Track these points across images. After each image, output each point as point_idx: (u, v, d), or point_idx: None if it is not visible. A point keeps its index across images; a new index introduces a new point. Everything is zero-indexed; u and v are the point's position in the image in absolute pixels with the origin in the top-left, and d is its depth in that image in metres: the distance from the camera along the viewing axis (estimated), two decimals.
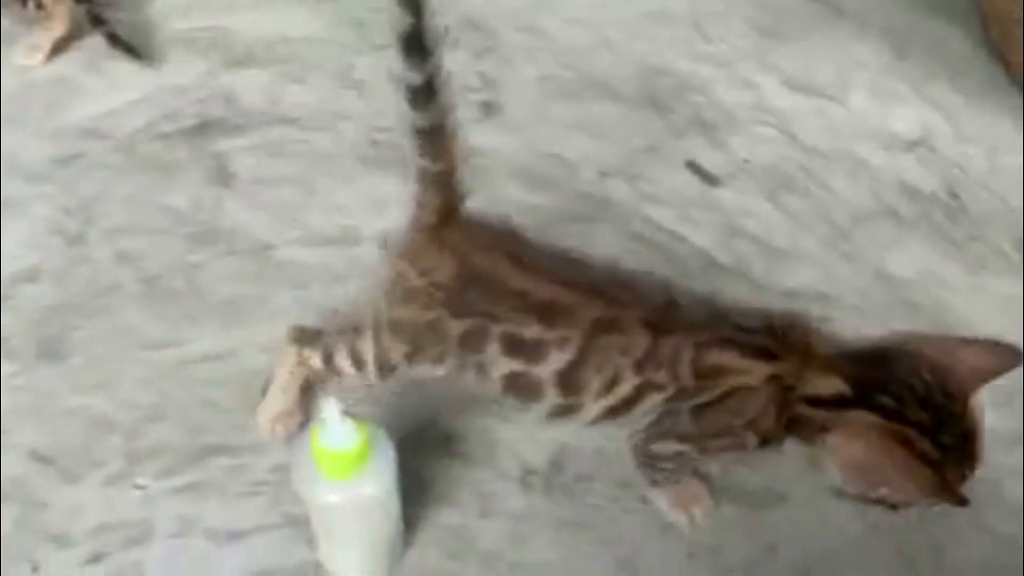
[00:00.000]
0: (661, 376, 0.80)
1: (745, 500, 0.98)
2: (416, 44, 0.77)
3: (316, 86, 1.34)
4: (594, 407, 0.83)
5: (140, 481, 0.98)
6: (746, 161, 1.28)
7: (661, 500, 0.96)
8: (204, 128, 1.27)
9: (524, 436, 1.01)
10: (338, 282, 1.13)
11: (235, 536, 0.94)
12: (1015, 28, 1.33)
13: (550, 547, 0.94)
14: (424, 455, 0.99)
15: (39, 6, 1.29)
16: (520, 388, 0.84)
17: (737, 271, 1.15)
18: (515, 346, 0.81)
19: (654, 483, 0.95)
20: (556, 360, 0.81)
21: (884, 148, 1.28)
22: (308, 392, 0.98)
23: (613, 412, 0.84)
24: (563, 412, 0.85)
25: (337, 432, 0.76)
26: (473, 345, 0.83)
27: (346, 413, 0.77)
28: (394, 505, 0.87)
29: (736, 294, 1.09)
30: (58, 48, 1.33)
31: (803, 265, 1.18)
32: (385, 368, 0.88)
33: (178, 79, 1.32)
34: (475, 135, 1.29)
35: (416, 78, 0.78)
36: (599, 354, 0.80)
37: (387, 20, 1.39)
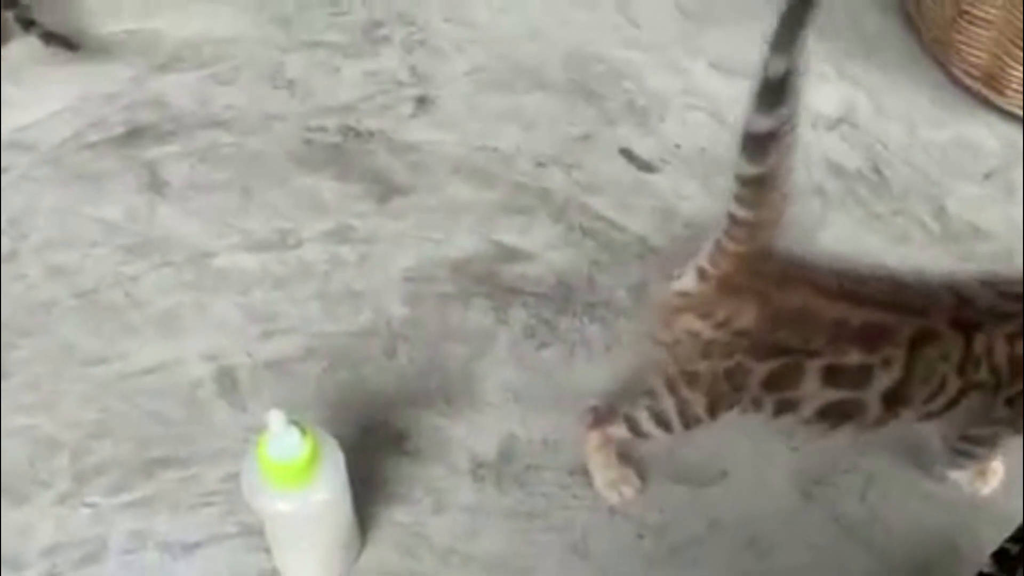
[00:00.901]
0: (982, 374, 0.81)
1: (689, 478, 1.02)
2: (777, 90, 0.70)
3: (246, 87, 1.32)
4: (912, 415, 0.84)
5: (90, 499, 0.97)
6: (677, 146, 1.31)
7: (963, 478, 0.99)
8: (134, 135, 1.25)
9: (473, 430, 1.03)
10: (279, 287, 1.13)
11: (190, 548, 0.95)
12: (929, 1, 1.38)
13: (503, 538, 0.97)
14: (374, 454, 1.01)
15: None
16: (837, 415, 0.84)
17: (674, 256, 1.18)
18: (837, 376, 0.81)
19: (957, 466, 0.97)
20: (882, 381, 0.80)
21: (810, 126, 1.32)
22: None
23: (929, 416, 0.85)
24: (877, 423, 0.85)
25: (283, 442, 0.77)
26: (783, 384, 0.82)
27: (292, 422, 0.78)
28: (346, 509, 0.88)
29: None
30: None
31: None
32: (691, 421, 0.88)
33: (104, 86, 1.29)
34: (410, 131, 1.31)
35: (762, 125, 0.71)
36: (923, 366, 0.80)
37: (315, 18, 1.42)
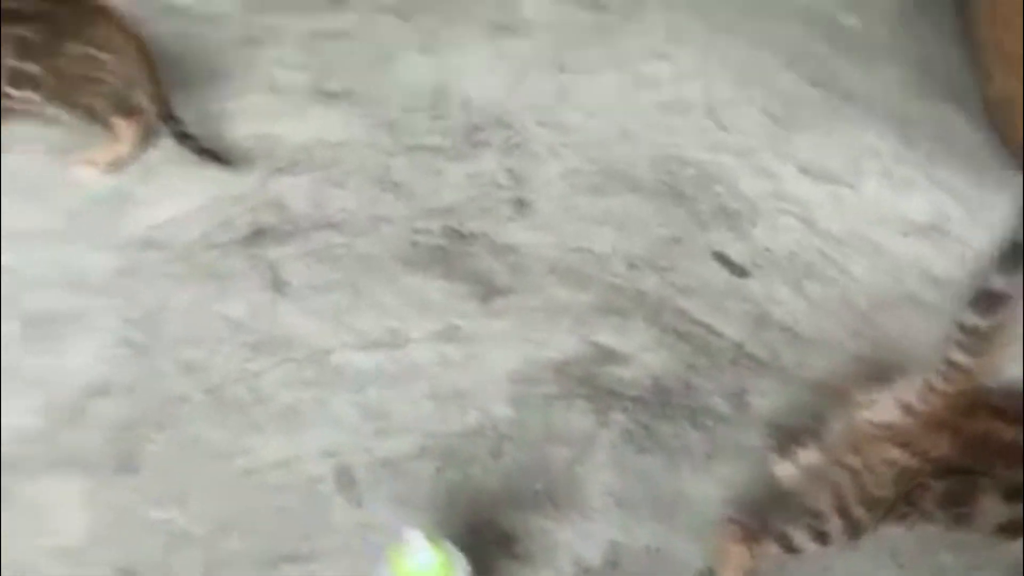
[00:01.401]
0: None
1: None
2: (1020, 255, 0.78)
3: (356, 189, 1.42)
4: None
5: None
6: (768, 250, 1.35)
7: None
8: (257, 236, 1.35)
9: (578, 534, 1.07)
10: (392, 385, 1.20)
11: None
12: (1015, 109, 1.40)
13: None
14: (484, 556, 1.05)
15: (107, 127, 1.38)
16: (1014, 528, 0.89)
17: (768, 362, 1.21)
18: (1016, 493, 0.86)
19: None
20: None
21: (900, 233, 1.36)
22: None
23: None
24: None
25: (418, 554, 0.82)
26: (959, 500, 0.88)
27: (427, 537, 0.83)
28: None
29: (767, 386, 1.16)
30: (117, 164, 1.40)
31: (831, 352, 1.23)
32: (857, 538, 0.93)
33: (232, 188, 1.40)
34: (510, 233, 1.38)
35: (998, 283, 0.78)
36: None
37: (418, 121, 1.51)
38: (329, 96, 1.55)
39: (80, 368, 1.19)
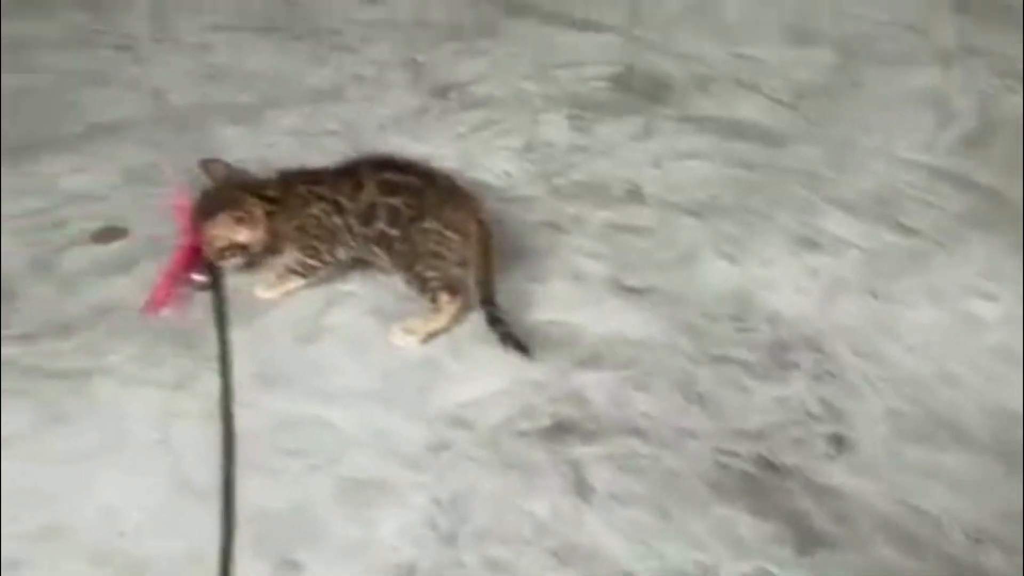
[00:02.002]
0: None
1: None
2: None
3: (659, 395, 1.40)
4: None
5: None
6: None
7: None
8: (559, 430, 1.35)
9: None
10: None
11: None
12: None
13: None
14: None
15: (433, 300, 1.46)
16: None
17: None
18: None
19: None
20: None
21: None
22: None
23: None
24: None
25: None
26: None
27: None
28: None
29: None
30: (431, 337, 1.46)
31: None
32: None
33: (533, 374, 1.42)
34: (828, 473, 1.29)
35: None
36: None
37: (722, 330, 1.50)
38: (629, 291, 1.57)
39: (389, 545, 1.20)
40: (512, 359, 1.43)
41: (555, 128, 1.93)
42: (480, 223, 1.46)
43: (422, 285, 1.47)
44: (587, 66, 2.11)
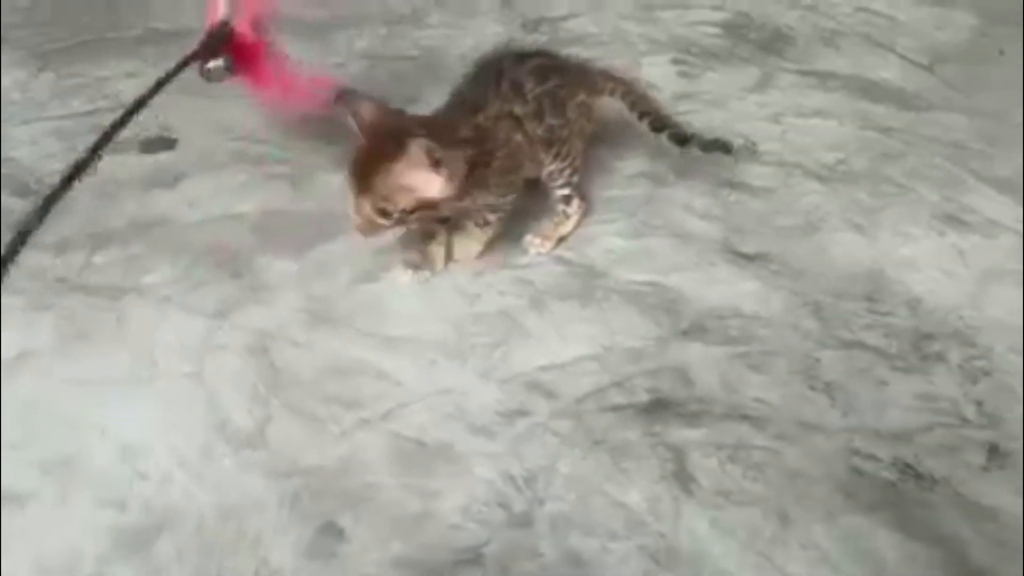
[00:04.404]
0: None
1: None
2: None
3: (779, 380, 1.17)
4: None
5: None
6: None
7: None
8: (657, 408, 1.14)
9: None
10: None
11: None
12: None
13: None
14: None
15: (567, 202, 1.31)
16: None
17: None
18: None
19: None
20: None
21: None
22: None
23: None
24: None
25: None
26: None
27: None
28: None
29: None
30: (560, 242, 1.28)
31: None
32: None
33: (627, 340, 1.21)
34: (983, 490, 1.05)
35: None
36: None
37: (853, 313, 1.28)
38: (742, 257, 1.35)
39: (450, 522, 1.01)
40: (603, 321, 1.22)
41: (659, 72, 1.70)
42: (623, 79, 1.37)
43: (569, 179, 1.30)
44: (694, 9, 1.88)
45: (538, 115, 1.25)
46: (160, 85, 1.12)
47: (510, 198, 1.27)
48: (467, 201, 1.22)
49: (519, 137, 1.23)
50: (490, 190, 1.23)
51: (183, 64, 1.21)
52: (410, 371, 1.18)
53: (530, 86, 1.25)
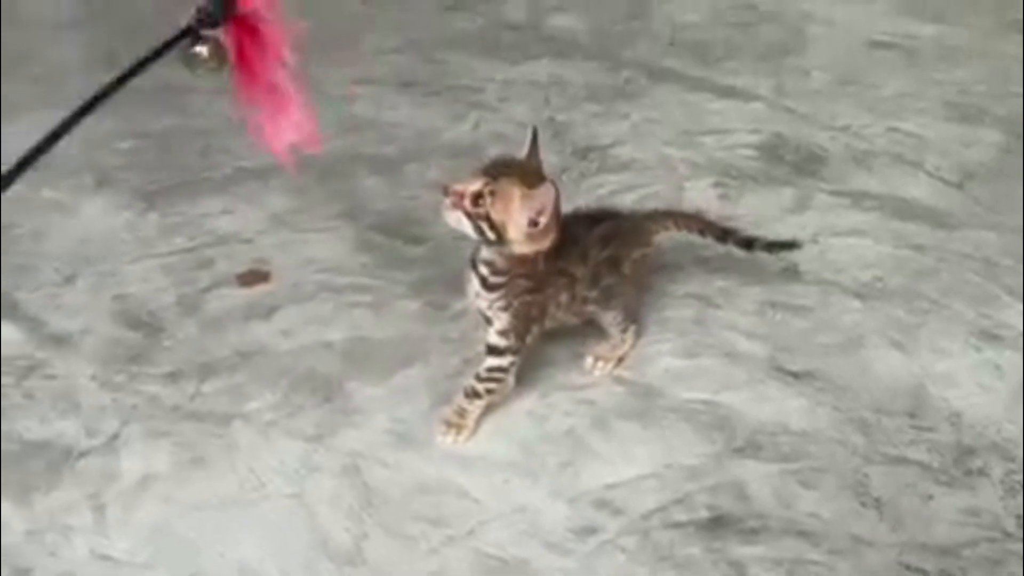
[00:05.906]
0: None
1: None
2: None
3: (829, 496, 1.27)
4: None
5: None
6: None
7: None
8: (718, 525, 1.23)
9: None
10: None
11: None
12: None
13: None
14: None
15: (624, 331, 1.43)
16: None
17: None
18: None
19: None
20: None
21: None
22: None
23: None
24: None
25: None
26: None
27: None
28: None
29: None
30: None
31: None
32: None
33: (687, 459, 1.32)
34: None
35: None
36: None
37: (898, 428, 1.37)
38: (789, 375, 1.45)
39: None
40: (661, 440, 1.34)
41: (701, 196, 1.85)
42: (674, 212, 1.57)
43: (626, 317, 1.44)
44: (733, 134, 2.03)
45: (595, 279, 1.38)
46: (142, 65, 0.94)
47: (512, 343, 1.32)
48: (497, 292, 1.29)
49: (564, 296, 1.35)
50: (509, 308, 1.30)
51: (174, 40, 0.99)
52: (487, 489, 1.30)
53: (594, 252, 1.38)
